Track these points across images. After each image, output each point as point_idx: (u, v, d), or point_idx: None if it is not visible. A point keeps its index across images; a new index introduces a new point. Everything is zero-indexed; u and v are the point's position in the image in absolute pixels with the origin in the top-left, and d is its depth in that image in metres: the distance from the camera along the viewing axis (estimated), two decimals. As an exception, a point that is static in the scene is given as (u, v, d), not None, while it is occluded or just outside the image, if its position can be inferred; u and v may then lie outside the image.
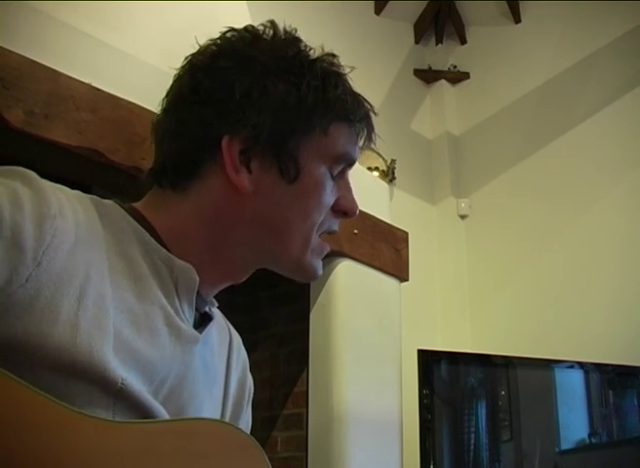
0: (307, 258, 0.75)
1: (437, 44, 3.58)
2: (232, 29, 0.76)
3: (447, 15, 3.49)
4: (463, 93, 3.49)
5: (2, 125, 1.23)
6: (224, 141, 0.70)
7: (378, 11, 3.37)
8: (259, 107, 0.70)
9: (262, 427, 2.06)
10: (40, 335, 0.56)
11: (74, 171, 1.41)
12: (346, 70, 0.78)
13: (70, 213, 0.61)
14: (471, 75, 3.49)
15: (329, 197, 0.75)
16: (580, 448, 2.19)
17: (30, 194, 0.59)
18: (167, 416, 0.64)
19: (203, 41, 0.76)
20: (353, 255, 2.01)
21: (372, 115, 0.79)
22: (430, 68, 3.52)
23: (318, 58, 0.76)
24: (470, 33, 3.56)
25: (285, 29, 0.77)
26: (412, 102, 3.46)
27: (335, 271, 1.99)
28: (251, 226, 0.72)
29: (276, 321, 2.18)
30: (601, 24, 3.06)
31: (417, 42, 3.55)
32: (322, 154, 0.74)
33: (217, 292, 0.77)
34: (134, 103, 1.45)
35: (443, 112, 3.46)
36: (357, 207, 0.79)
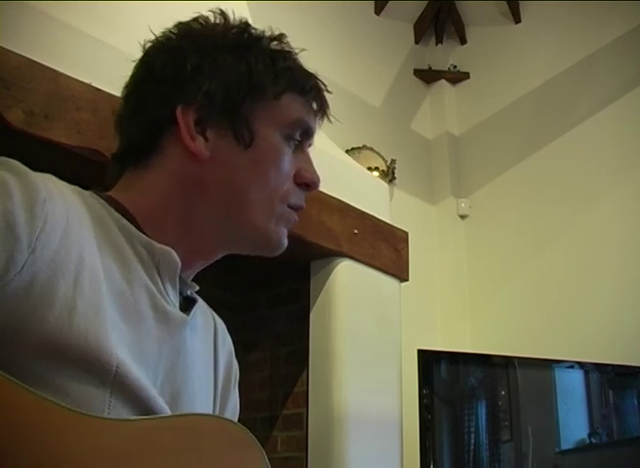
0: (272, 225, 0.75)
1: (437, 44, 3.58)
2: (181, 22, 0.79)
3: (447, 15, 3.49)
4: (463, 93, 3.49)
5: (2, 125, 1.23)
6: (178, 110, 0.72)
7: (378, 11, 3.37)
8: (210, 78, 0.73)
9: (262, 427, 2.06)
10: (36, 320, 0.56)
11: (74, 171, 1.40)
12: (296, 51, 0.80)
13: (59, 197, 0.62)
14: (471, 75, 3.49)
15: (287, 165, 0.76)
16: (580, 448, 2.19)
17: (18, 181, 0.59)
18: (160, 400, 0.64)
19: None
20: (353, 255, 2.00)
21: (323, 88, 0.80)
22: (430, 68, 3.52)
23: (265, 36, 0.78)
24: (470, 33, 3.56)
25: (235, 19, 0.79)
26: (412, 102, 3.46)
27: (335, 271, 1.99)
28: (213, 194, 0.74)
29: (276, 321, 2.18)
30: (601, 24, 3.06)
31: (417, 42, 3.55)
32: (275, 120, 0.76)
33: (194, 273, 0.78)
34: (134, 103, 1.45)
35: (443, 112, 3.46)
36: (319, 179, 0.79)
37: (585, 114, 3.00)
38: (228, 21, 0.78)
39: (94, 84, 1.38)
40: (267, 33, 0.78)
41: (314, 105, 0.79)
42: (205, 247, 0.76)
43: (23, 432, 0.49)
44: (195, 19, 0.78)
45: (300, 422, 1.99)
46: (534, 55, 3.27)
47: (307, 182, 0.78)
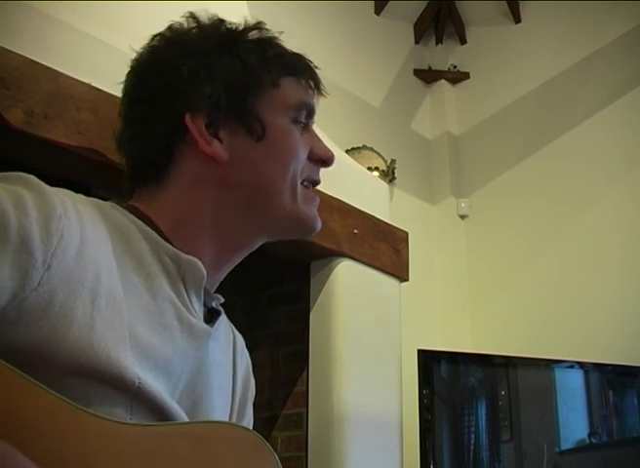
0: (301, 207, 0.77)
1: (437, 44, 3.58)
2: (157, 34, 0.79)
3: (447, 15, 3.49)
4: (463, 93, 3.49)
5: (2, 125, 1.23)
6: (187, 118, 0.73)
7: (378, 11, 3.37)
8: (208, 80, 0.73)
9: (262, 427, 2.06)
10: (56, 339, 0.56)
11: (74, 171, 1.41)
12: (276, 34, 0.81)
13: (74, 214, 0.62)
14: (471, 75, 3.49)
15: (301, 146, 0.77)
16: (580, 448, 2.19)
17: (34, 197, 0.59)
18: (182, 414, 0.65)
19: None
20: (353, 255, 2.01)
21: (313, 66, 0.81)
22: (430, 68, 3.52)
23: (246, 28, 0.79)
24: (470, 33, 3.56)
25: (207, 17, 0.80)
26: (412, 102, 3.46)
27: (335, 271, 1.99)
28: (239, 192, 0.74)
29: (276, 321, 2.18)
30: (601, 24, 3.06)
31: (417, 42, 3.55)
32: (280, 106, 0.77)
33: (220, 278, 0.78)
34: (134, 103, 1.45)
35: (443, 112, 3.46)
36: (333, 154, 0.81)
37: (585, 114, 3.00)
38: (202, 22, 0.78)
39: (94, 84, 1.38)
40: (243, 25, 0.79)
41: (310, 84, 0.80)
42: (238, 242, 0.77)
43: (38, 432, 0.49)
44: (169, 28, 0.78)
45: (300, 422, 1.99)
46: (534, 55, 3.27)
47: (323, 158, 0.80)
